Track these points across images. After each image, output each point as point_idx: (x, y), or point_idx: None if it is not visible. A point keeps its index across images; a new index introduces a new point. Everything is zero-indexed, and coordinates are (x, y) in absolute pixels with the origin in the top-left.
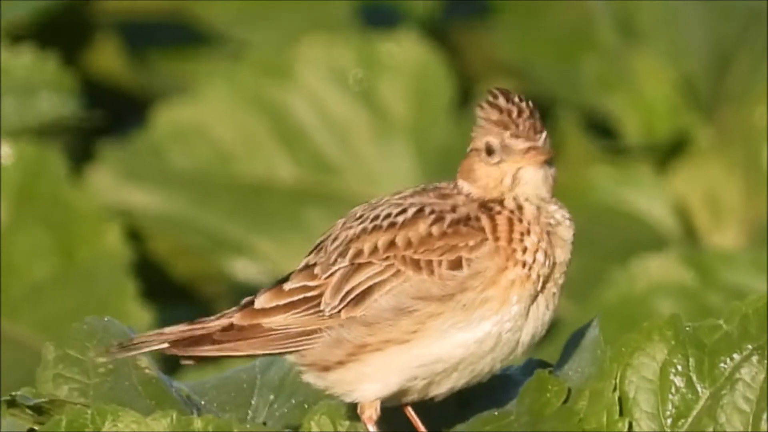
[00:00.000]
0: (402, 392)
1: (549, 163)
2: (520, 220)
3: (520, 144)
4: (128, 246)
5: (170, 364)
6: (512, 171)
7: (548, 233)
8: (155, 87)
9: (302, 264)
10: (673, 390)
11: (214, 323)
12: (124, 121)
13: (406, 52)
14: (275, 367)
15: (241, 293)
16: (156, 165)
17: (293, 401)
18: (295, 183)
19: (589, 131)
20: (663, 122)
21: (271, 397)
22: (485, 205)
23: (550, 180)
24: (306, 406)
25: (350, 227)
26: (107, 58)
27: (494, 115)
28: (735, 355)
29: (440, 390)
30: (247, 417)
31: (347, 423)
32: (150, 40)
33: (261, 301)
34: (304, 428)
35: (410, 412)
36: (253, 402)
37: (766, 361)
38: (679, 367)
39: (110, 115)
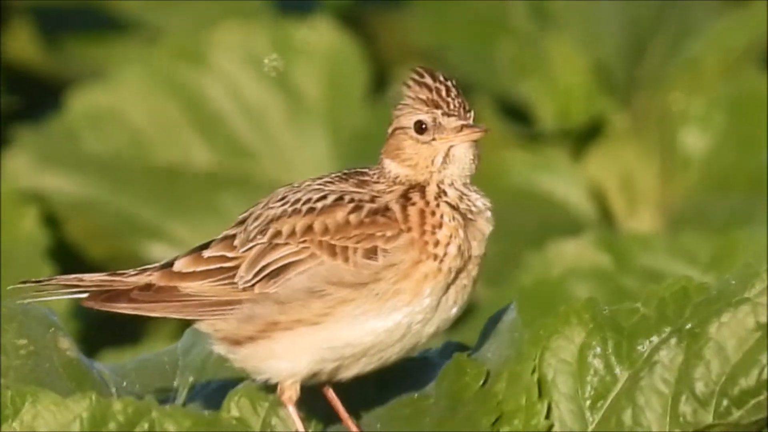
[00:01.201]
0: (311, 373)
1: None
2: (433, 213)
3: (454, 122)
4: (45, 230)
5: (91, 346)
6: (444, 149)
7: (466, 224)
8: (70, 72)
9: (222, 234)
10: (591, 372)
11: (132, 278)
12: (39, 106)
13: (320, 38)
14: (197, 350)
15: None
16: (71, 149)
17: (214, 384)
18: (211, 168)
19: (505, 116)
20: (578, 107)
21: (192, 379)
22: (405, 194)
23: (476, 161)
24: (227, 388)
25: (272, 207)
26: (21, 43)
27: (423, 94)
28: (653, 338)
29: (348, 373)
30: (168, 399)
31: (267, 405)
32: (64, 25)
33: (179, 265)
34: (224, 410)
35: (330, 393)
36: (174, 384)
37: (683, 344)
38: (598, 350)
39: (25, 100)
